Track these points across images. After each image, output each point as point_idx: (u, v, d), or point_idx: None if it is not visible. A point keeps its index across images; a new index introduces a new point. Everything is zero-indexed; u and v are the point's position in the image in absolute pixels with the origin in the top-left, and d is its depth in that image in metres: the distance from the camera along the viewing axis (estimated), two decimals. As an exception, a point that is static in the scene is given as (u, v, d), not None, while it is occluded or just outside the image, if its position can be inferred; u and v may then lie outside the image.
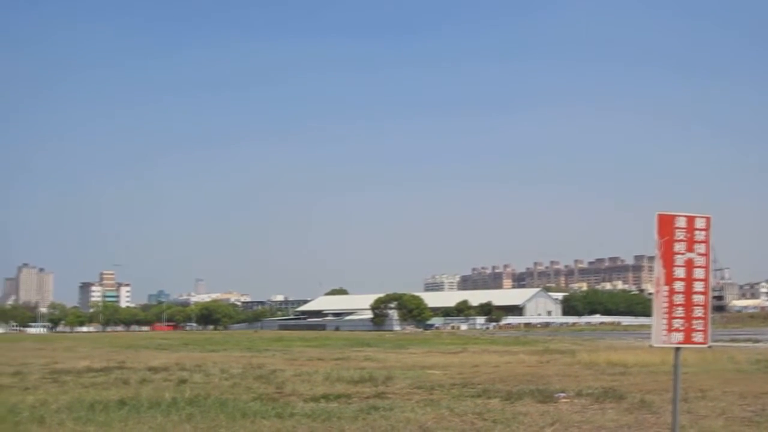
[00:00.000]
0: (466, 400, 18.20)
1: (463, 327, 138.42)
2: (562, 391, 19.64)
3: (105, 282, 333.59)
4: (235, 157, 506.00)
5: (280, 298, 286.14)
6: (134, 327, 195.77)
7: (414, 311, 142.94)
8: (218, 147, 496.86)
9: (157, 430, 13.19)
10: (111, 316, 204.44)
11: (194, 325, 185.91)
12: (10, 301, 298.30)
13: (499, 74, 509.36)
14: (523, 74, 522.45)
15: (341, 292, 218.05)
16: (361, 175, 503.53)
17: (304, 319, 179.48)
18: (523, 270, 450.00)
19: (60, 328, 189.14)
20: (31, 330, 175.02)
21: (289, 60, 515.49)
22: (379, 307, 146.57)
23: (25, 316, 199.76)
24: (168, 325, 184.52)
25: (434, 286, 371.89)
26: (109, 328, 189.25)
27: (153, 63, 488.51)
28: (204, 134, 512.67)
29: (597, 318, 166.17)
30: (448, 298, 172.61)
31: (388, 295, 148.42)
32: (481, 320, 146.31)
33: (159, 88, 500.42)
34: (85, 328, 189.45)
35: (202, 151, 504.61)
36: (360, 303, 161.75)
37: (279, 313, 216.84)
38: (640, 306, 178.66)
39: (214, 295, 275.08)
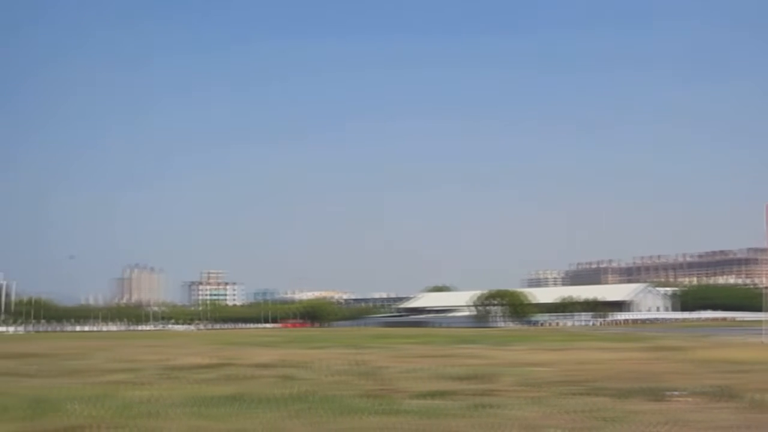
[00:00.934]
0: (575, 397, 17.84)
1: (568, 323, 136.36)
2: (675, 390, 19.04)
3: (211, 281, 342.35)
4: (331, 152, 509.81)
5: (381, 295, 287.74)
6: (250, 325, 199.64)
7: (517, 307, 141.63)
8: (312, 140, 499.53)
9: (266, 426, 13.36)
10: (218, 314, 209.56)
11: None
12: (123, 300, 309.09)
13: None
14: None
15: (442, 289, 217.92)
16: (458, 169, 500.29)
17: (406, 316, 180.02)
18: (629, 264, 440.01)
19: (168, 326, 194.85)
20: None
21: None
22: (481, 303, 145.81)
23: (137, 314, 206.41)
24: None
25: (537, 282, 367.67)
26: (217, 326, 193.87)
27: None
28: (294, 128, 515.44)
29: (708, 313, 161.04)
30: (552, 293, 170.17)
31: (490, 292, 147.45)
32: (586, 316, 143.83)
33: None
34: (193, 326, 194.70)
35: (297, 147, 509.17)
36: (461, 300, 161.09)
37: (381, 310, 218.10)
38: (754, 300, 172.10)
39: (317, 293, 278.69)
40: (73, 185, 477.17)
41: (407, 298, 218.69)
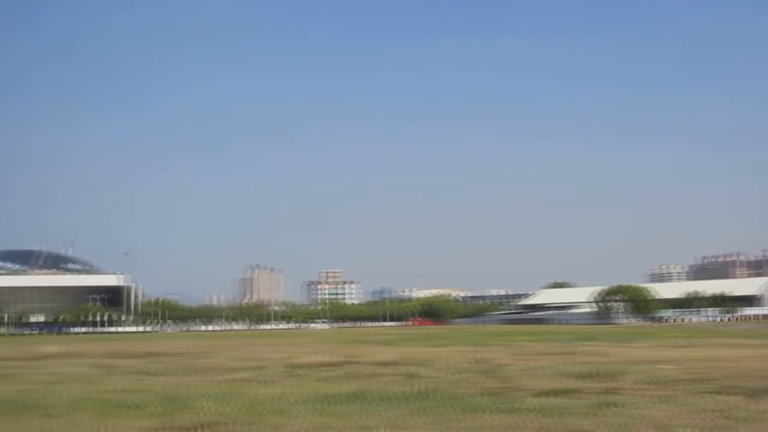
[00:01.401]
0: (704, 396, 17.29)
1: (694, 319, 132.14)
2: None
3: (330, 280, 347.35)
4: (443, 149, 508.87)
5: (498, 292, 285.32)
6: (369, 323, 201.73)
7: (639, 303, 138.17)
8: (423, 136, 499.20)
9: (390, 423, 13.47)
10: (337, 312, 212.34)
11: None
12: (245, 300, 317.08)
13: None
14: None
15: (562, 285, 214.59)
16: (574, 164, 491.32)
17: (525, 313, 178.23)
18: (758, 257, 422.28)
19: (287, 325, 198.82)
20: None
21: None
22: (601, 299, 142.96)
23: (259, 314, 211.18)
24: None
25: (659, 277, 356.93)
26: (336, 325, 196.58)
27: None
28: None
29: None
30: (676, 288, 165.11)
31: (611, 288, 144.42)
32: (713, 312, 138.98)
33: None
34: (313, 325, 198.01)
35: (409, 145, 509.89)
36: (581, 296, 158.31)
37: (499, 307, 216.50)
38: None
39: (435, 291, 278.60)
40: (196, 190, 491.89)
41: (525, 295, 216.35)
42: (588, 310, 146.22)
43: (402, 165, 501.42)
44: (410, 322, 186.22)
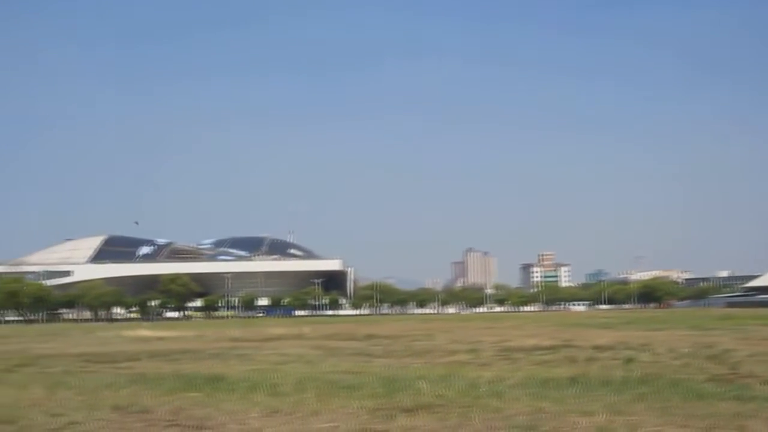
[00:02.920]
0: None
1: None
2: None
3: (544, 263, 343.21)
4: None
5: (724, 274, 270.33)
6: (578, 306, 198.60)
7: None
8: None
9: (609, 408, 13.13)
10: (551, 295, 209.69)
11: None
12: (459, 284, 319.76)
13: None
14: None
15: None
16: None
17: (753, 295, 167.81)
18: None
19: (503, 308, 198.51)
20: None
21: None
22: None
23: (473, 297, 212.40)
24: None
25: None
26: (553, 307, 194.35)
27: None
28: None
29: None
30: None
31: None
32: None
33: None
34: (528, 308, 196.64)
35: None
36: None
37: (725, 289, 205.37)
38: None
39: (654, 273, 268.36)
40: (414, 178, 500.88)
41: (752, 277, 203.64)
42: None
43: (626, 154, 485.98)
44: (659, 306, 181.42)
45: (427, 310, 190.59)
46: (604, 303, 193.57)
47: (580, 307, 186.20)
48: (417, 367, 22.47)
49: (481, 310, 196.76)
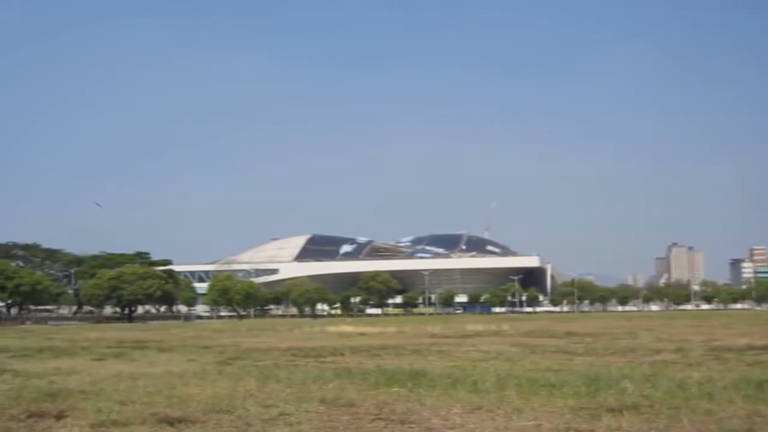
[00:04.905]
0: None
1: None
2: None
3: (756, 258, 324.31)
4: None
5: None
6: None
7: None
8: None
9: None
10: (764, 292, 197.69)
11: None
12: (662, 280, 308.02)
13: None
14: None
15: None
16: None
17: None
18: None
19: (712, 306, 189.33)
20: None
21: None
22: None
23: (678, 294, 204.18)
24: None
25: None
26: (765, 305, 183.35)
27: None
28: None
29: None
30: None
31: None
32: None
33: None
34: (738, 305, 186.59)
35: None
36: None
37: None
38: None
39: None
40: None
41: None
42: None
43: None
44: None
45: (629, 308, 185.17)
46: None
47: None
48: (620, 365, 21.87)
49: (687, 307, 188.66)
